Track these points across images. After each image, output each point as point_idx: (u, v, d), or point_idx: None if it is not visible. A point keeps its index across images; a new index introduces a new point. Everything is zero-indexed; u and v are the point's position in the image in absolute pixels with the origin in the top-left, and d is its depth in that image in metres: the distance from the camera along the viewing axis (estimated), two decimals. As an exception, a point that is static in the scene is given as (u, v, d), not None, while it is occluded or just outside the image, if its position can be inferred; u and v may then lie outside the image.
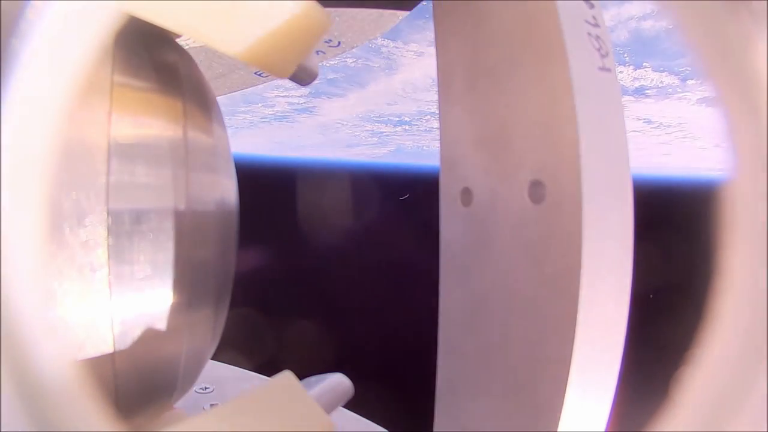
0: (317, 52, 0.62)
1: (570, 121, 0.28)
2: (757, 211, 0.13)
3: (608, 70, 0.30)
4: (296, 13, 0.23)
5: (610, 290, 0.29)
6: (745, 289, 0.14)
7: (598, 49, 0.30)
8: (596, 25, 0.30)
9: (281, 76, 0.32)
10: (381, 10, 0.53)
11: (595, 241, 0.28)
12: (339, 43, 0.61)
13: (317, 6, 0.26)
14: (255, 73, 0.68)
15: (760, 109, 0.13)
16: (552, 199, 0.29)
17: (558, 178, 0.29)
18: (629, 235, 0.29)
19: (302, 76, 0.34)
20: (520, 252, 0.31)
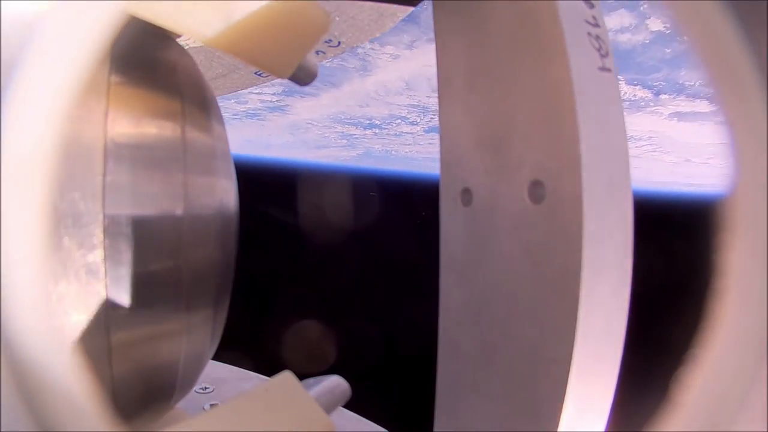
0: (317, 52, 0.62)
1: (570, 122, 0.28)
2: (758, 212, 0.13)
3: (608, 70, 0.30)
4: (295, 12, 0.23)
5: (610, 290, 0.29)
6: (745, 290, 0.14)
7: (598, 49, 0.30)
8: (596, 25, 0.30)
9: (281, 76, 0.32)
10: (380, 11, 0.53)
11: (595, 241, 0.28)
12: (339, 43, 0.61)
13: (317, 6, 0.26)
14: (255, 73, 0.68)
15: (760, 112, 0.13)
16: (552, 199, 0.29)
17: (558, 178, 0.29)
18: (629, 234, 0.29)
19: (301, 76, 0.34)
20: (520, 252, 0.31)
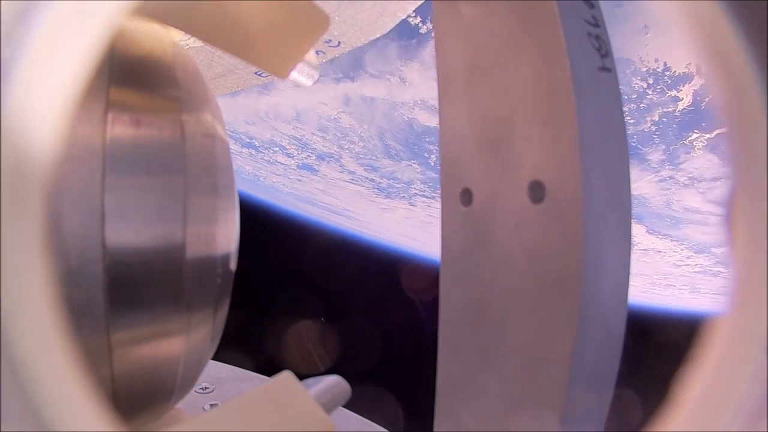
0: (317, 52, 0.62)
1: (570, 122, 0.28)
2: (758, 215, 0.14)
3: (608, 70, 0.30)
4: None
5: (610, 290, 0.29)
6: (745, 290, 0.14)
7: (598, 49, 0.30)
8: (596, 25, 0.30)
9: (281, 76, 0.32)
10: (381, 11, 0.53)
11: (595, 241, 0.28)
12: (339, 43, 0.61)
13: (317, 6, 0.26)
14: (255, 73, 0.69)
15: (760, 112, 0.13)
16: (552, 199, 0.29)
17: (558, 178, 0.29)
18: (629, 235, 0.29)
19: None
20: (520, 252, 0.31)
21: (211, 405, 0.81)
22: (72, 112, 0.12)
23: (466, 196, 0.36)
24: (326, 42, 0.60)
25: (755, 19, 0.13)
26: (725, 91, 0.14)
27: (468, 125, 0.35)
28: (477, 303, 0.35)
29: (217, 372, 0.97)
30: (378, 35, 0.60)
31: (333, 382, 0.33)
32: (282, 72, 0.31)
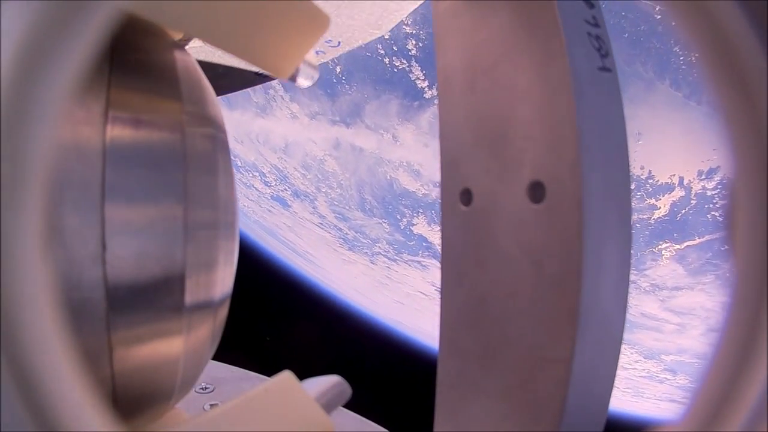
0: (317, 52, 0.62)
1: (570, 121, 0.28)
2: (758, 214, 0.14)
3: (608, 70, 0.30)
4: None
5: (610, 290, 0.29)
6: (745, 289, 0.14)
7: (598, 49, 0.30)
8: (596, 25, 0.30)
9: (281, 77, 0.32)
10: (381, 12, 0.53)
11: (595, 241, 0.28)
12: (339, 43, 0.61)
13: (316, 6, 0.27)
14: (255, 73, 0.69)
15: (761, 110, 0.13)
16: (552, 199, 0.29)
17: (558, 178, 0.29)
18: (629, 234, 0.29)
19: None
20: (520, 252, 0.31)
21: (211, 405, 0.82)
22: (71, 110, 0.12)
23: (466, 196, 0.36)
24: (326, 42, 0.60)
25: (761, 17, 0.13)
26: (728, 88, 0.14)
27: (468, 125, 0.36)
28: (477, 302, 0.35)
29: (217, 372, 0.98)
30: (378, 35, 0.60)
31: (333, 382, 0.33)
32: (282, 72, 0.31)
